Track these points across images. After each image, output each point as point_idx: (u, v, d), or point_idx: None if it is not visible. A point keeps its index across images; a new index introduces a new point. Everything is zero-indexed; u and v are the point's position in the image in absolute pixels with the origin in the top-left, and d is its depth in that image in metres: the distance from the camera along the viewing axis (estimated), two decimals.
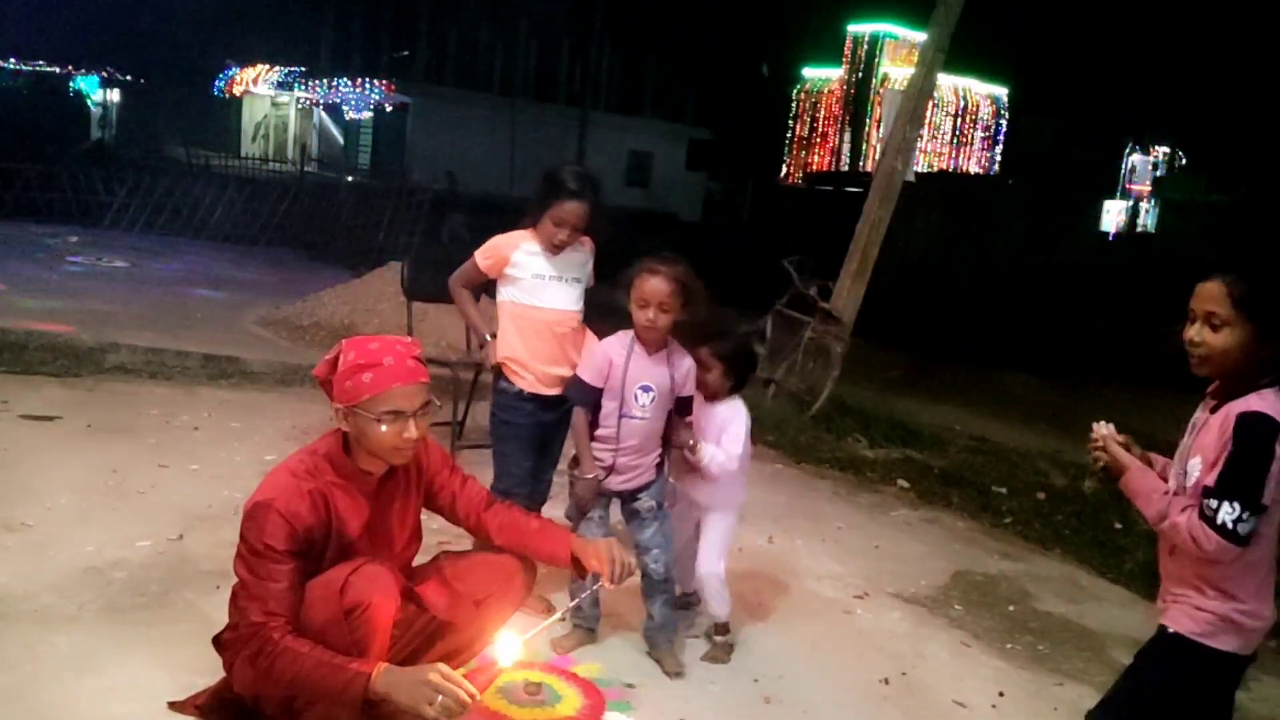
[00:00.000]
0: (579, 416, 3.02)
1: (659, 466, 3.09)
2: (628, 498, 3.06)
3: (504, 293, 3.28)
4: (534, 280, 3.21)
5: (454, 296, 3.41)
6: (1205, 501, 1.95)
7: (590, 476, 2.98)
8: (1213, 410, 2.05)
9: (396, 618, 2.26)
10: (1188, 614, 2.07)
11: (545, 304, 3.21)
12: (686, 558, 3.23)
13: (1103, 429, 2.15)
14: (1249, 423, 1.93)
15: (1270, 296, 1.98)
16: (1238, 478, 1.93)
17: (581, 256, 3.31)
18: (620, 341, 2.98)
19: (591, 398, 2.99)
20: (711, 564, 3.15)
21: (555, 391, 3.23)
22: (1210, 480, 1.96)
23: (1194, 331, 2.03)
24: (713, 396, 3.11)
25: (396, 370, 2.20)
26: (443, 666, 2.03)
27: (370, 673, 2.02)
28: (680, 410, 3.05)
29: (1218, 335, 2.00)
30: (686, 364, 3.01)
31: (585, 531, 3.00)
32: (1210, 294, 2.01)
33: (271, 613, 2.09)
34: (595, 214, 3.17)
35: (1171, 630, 2.09)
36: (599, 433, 3.01)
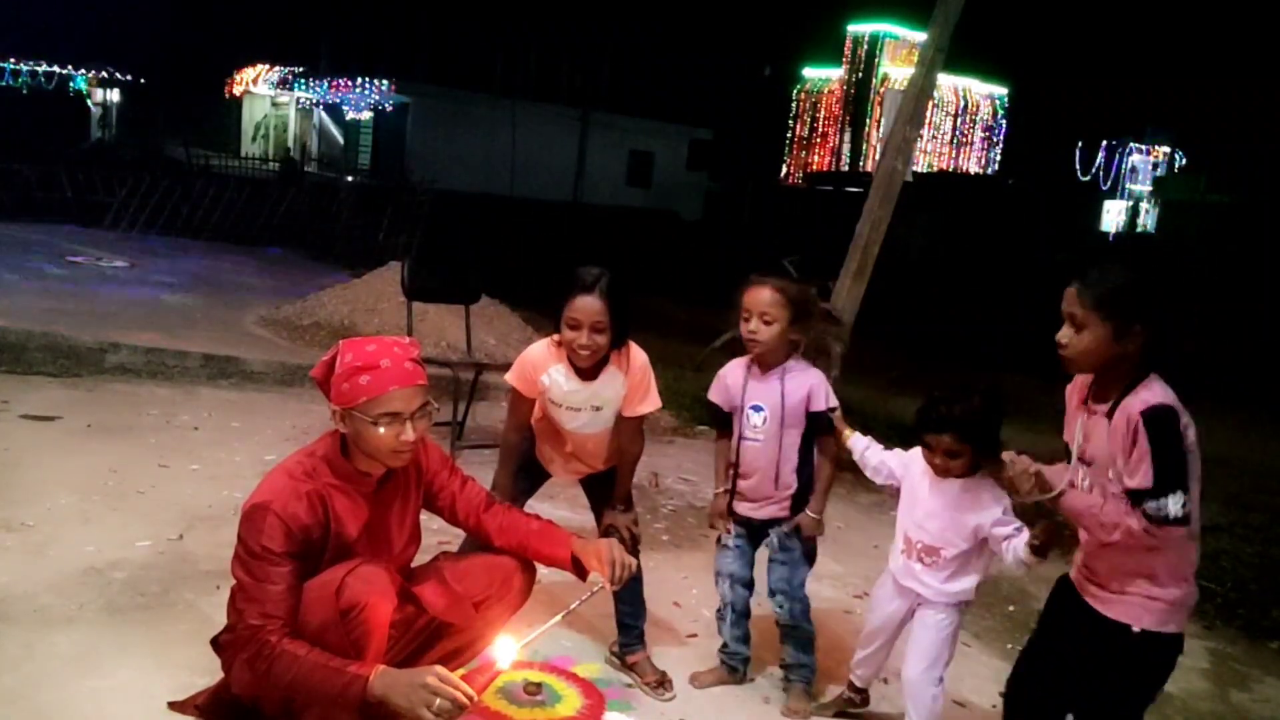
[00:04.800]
0: (719, 439, 3.04)
1: (793, 504, 2.91)
2: (759, 529, 2.96)
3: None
4: (554, 405, 2.93)
5: (503, 456, 3.00)
6: (1152, 504, 1.98)
7: (719, 491, 2.99)
8: (1108, 415, 2.07)
9: (394, 618, 2.25)
10: (1144, 607, 2.11)
11: (565, 424, 2.94)
12: (879, 649, 2.82)
13: (1022, 460, 2.12)
14: (1155, 417, 1.99)
15: (1120, 295, 2.04)
16: (1168, 471, 1.98)
17: (616, 387, 2.91)
18: (739, 364, 2.95)
19: (720, 418, 3.00)
20: (924, 670, 2.61)
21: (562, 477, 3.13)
22: (1144, 483, 1.99)
23: (1061, 333, 2.11)
24: (948, 473, 2.57)
25: (394, 372, 2.19)
26: (440, 669, 2.03)
27: (368, 675, 2.02)
28: (817, 429, 2.89)
29: (1080, 336, 2.08)
30: (802, 379, 2.85)
31: (719, 559, 3.01)
32: (1069, 297, 2.09)
33: (269, 615, 2.09)
34: (616, 313, 2.74)
35: (1138, 629, 2.11)
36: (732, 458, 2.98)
